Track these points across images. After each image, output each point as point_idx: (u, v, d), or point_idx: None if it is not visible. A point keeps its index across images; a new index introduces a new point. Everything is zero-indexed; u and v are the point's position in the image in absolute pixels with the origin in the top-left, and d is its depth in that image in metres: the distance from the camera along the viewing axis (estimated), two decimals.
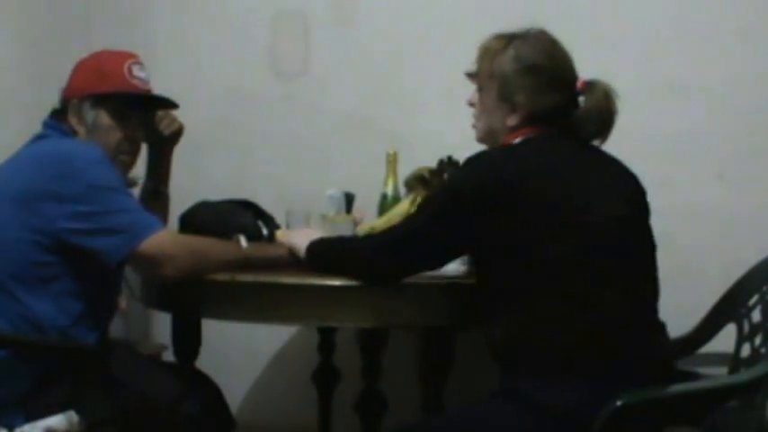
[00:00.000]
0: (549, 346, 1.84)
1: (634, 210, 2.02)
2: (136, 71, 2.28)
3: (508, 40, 2.06)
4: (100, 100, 2.23)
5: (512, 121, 2.03)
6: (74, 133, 2.24)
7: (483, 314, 1.98)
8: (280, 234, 2.38)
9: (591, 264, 1.87)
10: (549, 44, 2.07)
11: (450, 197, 2.00)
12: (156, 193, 2.46)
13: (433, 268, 2.07)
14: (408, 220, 2.12)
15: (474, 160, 1.99)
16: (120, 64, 2.27)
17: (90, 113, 2.23)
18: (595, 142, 2.07)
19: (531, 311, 1.87)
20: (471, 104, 2.14)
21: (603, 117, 2.03)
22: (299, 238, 2.21)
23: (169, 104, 2.37)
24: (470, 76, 2.14)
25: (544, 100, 2.02)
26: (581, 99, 2.04)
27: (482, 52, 2.10)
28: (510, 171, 1.93)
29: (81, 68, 2.30)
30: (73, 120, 2.24)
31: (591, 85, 2.04)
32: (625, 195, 2.02)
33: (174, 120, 2.44)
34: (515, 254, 1.88)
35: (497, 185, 1.91)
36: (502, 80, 2.04)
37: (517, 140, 2.02)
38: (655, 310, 1.97)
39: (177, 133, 2.45)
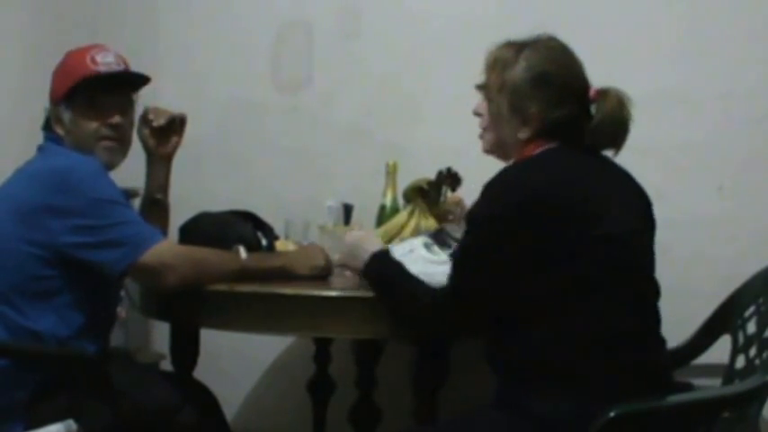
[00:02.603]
0: (562, 360, 1.82)
1: (646, 223, 2.00)
2: (100, 58, 2.24)
3: (518, 49, 1.98)
4: (70, 97, 2.21)
5: (523, 134, 1.96)
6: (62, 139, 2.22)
7: (489, 330, 1.93)
8: (279, 244, 2.39)
9: (611, 278, 1.84)
10: (560, 52, 1.99)
11: (485, 226, 1.89)
12: (156, 202, 2.44)
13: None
14: (455, 270, 1.94)
15: (497, 183, 1.90)
16: (83, 56, 2.24)
17: (66, 114, 2.22)
18: (609, 152, 2.00)
19: (554, 327, 1.83)
20: (477, 114, 2.07)
21: (617, 126, 1.95)
22: (370, 243, 2.14)
23: (142, 79, 2.30)
24: (479, 87, 2.05)
25: (557, 111, 1.93)
26: (593, 107, 1.96)
27: (491, 62, 2.01)
28: (536, 185, 1.86)
29: (52, 76, 2.28)
30: (57, 127, 2.23)
31: (604, 94, 1.96)
32: (638, 208, 1.99)
33: (160, 112, 2.39)
34: (542, 269, 1.83)
35: (527, 200, 1.84)
36: (513, 92, 1.95)
37: (535, 153, 1.94)
38: (659, 325, 1.95)
39: (172, 125, 2.40)
